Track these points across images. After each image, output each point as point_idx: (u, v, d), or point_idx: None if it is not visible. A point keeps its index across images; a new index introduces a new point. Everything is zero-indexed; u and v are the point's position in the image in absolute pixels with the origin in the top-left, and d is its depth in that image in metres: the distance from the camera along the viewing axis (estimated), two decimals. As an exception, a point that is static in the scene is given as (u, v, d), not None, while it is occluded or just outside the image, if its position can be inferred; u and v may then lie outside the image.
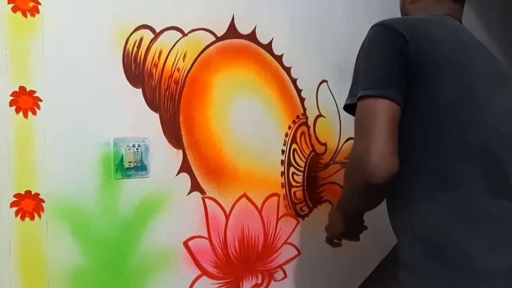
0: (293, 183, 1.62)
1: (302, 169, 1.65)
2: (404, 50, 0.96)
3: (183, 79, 1.35)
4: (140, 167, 1.25)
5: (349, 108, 1.05)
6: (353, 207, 1.13)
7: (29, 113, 1.08)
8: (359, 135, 0.95)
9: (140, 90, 1.27)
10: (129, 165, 1.23)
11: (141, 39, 1.27)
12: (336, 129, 1.77)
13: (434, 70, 0.96)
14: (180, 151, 1.34)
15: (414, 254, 0.96)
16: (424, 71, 0.96)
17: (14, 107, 1.07)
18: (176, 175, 1.33)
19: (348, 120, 1.76)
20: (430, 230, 0.95)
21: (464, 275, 0.89)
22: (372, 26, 1.05)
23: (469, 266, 0.89)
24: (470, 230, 0.91)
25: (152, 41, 1.29)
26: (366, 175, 0.92)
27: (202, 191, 1.38)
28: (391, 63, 0.96)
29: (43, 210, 1.10)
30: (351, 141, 1.79)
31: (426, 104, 0.96)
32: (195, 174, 1.36)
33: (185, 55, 1.36)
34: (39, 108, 1.10)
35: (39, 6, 1.10)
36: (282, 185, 1.59)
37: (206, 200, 1.38)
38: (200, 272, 1.36)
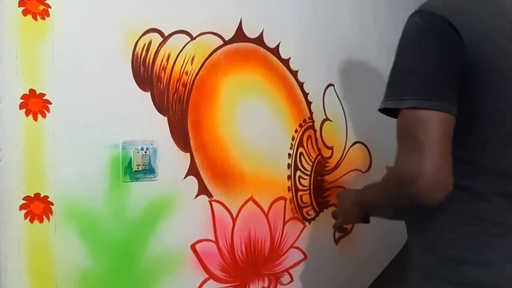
0: (300, 187, 1.62)
1: (308, 172, 1.65)
2: (460, 53, 0.86)
3: (191, 83, 1.36)
4: (148, 170, 1.26)
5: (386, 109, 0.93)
6: (384, 216, 1.06)
7: (39, 115, 1.09)
8: (409, 149, 0.84)
9: (148, 93, 1.27)
10: (138, 168, 1.23)
11: (149, 43, 1.28)
12: (342, 133, 1.77)
13: (489, 78, 0.88)
14: (188, 154, 1.34)
15: (428, 259, 0.95)
16: (479, 79, 0.88)
17: (24, 110, 1.08)
18: (184, 178, 1.33)
19: (355, 124, 1.78)
20: (449, 238, 0.92)
21: (483, 284, 0.87)
22: (420, 13, 0.90)
23: (489, 276, 0.87)
24: (489, 241, 0.90)
25: (161, 44, 1.30)
26: (418, 197, 0.83)
27: (209, 194, 1.38)
28: (447, 68, 0.86)
29: (51, 213, 1.11)
30: (358, 145, 1.80)
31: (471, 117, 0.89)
32: (203, 177, 1.37)
33: (193, 59, 1.36)
34: (48, 111, 1.10)
35: (49, 9, 1.11)
36: (289, 189, 1.59)
37: (213, 203, 1.39)
38: (207, 276, 1.36)
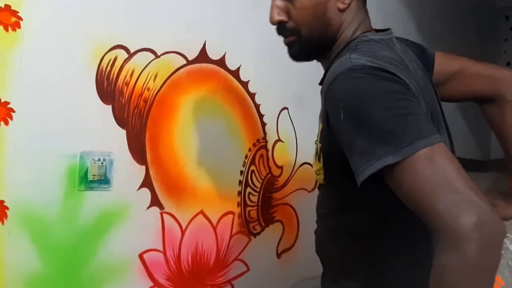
0: (249, 203, 1.71)
1: (258, 189, 1.74)
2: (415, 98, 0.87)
3: (152, 98, 1.42)
4: (103, 180, 1.31)
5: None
6: None
7: (2, 123, 1.12)
8: (455, 196, 0.72)
9: (110, 107, 1.33)
10: (93, 178, 1.28)
11: (115, 58, 1.33)
12: (292, 154, 1.87)
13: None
14: (143, 167, 1.40)
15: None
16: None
17: (-13, 117, 1.11)
18: (137, 189, 1.39)
19: (304, 146, 1.88)
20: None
21: None
22: (359, 70, 0.86)
23: None
24: None
25: (126, 60, 1.36)
26: (502, 233, 0.72)
27: (161, 206, 1.44)
28: (418, 106, 0.85)
29: (6, 217, 1.14)
30: (305, 166, 1.90)
31: None
32: (156, 190, 1.43)
33: (156, 76, 1.42)
34: (11, 119, 1.14)
35: (20, 21, 1.14)
36: (238, 204, 1.67)
37: (164, 215, 1.45)
38: (152, 284, 1.42)
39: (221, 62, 1.59)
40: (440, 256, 0.72)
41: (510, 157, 1.16)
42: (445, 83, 1.16)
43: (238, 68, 1.64)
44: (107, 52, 1.31)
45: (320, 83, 1.05)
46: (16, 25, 1.14)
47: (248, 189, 1.71)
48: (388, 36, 1.01)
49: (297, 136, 1.86)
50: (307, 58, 1.08)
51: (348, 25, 1.01)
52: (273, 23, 1.03)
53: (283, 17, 1.01)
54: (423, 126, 0.80)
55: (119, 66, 1.34)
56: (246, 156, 1.69)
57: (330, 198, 1.05)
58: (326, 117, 0.91)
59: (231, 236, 1.65)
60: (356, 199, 0.95)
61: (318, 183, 1.08)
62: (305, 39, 1.01)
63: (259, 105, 1.72)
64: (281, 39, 1.75)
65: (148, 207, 1.41)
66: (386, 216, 0.94)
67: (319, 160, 1.00)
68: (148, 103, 1.41)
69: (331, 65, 0.98)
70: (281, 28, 1.03)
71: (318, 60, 1.09)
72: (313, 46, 1.02)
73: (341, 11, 0.99)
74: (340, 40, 1.01)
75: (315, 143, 1.06)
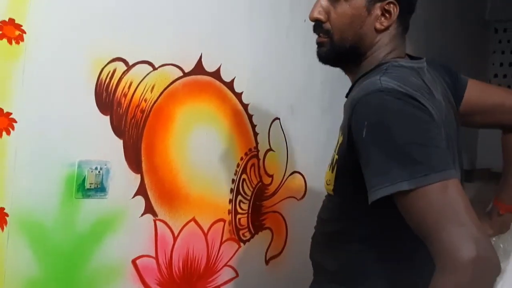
0: (239, 210, 1.76)
1: (248, 197, 1.79)
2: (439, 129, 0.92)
3: (149, 109, 1.46)
4: (100, 189, 1.35)
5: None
6: None
7: (4, 133, 1.16)
8: (460, 229, 0.78)
9: (108, 117, 1.37)
10: (90, 186, 1.32)
11: (114, 71, 1.37)
12: (283, 163, 1.92)
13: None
14: (139, 175, 1.45)
15: None
16: None
17: (-10, 127, 1.15)
18: (132, 197, 1.43)
19: (295, 155, 1.94)
20: None
21: None
22: (389, 92, 0.90)
23: None
24: None
25: (125, 72, 1.40)
26: (496, 269, 0.79)
27: (154, 214, 1.49)
28: (440, 138, 0.90)
29: (6, 224, 1.18)
30: (295, 174, 1.96)
31: None
32: (150, 198, 1.47)
33: (153, 87, 1.47)
34: (13, 129, 1.18)
35: (24, 34, 1.18)
36: (229, 212, 1.72)
37: (157, 222, 1.50)
38: (144, 289, 1.48)
39: (216, 74, 1.64)
40: (438, 278, 0.78)
41: (509, 182, 1.21)
42: (474, 113, 1.17)
43: (233, 80, 1.69)
44: (106, 65, 1.36)
45: (346, 96, 1.09)
46: (19, 38, 1.17)
47: (239, 197, 1.76)
48: (419, 65, 1.04)
49: (288, 145, 1.92)
50: (332, 63, 1.10)
51: (380, 47, 1.04)
52: (311, 19, 1.06)
53: (322, 17, 1.03)
54: (442, 159, 0.84)
55: (118, 78, 1.38)
56: (238, 165, 1.74)
57: (335, 206, 1.08)
58: (348, 130, 0.94)
59: (221, 243, 1.70)
60: (361, 210, 0.97)
61: (327, 192, 1.11)
62: (336, 45, 1.04)
63: (251, 115, 1.77)
64: (274, 52, 1.82)
65: (142, 215, 1.46)
66: (388, 227, 0.97)
67: (332, 171, 1.04)
68: (145, 113, 1.46)
69: (357, 81, 1.03)
70: (318, 26, 1.06)
71: (344, 70, 1.12)
72: (341, 54, 1.05)
73: (377, 31, 1.02)
74: (369, 60, 1.04)
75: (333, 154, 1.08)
